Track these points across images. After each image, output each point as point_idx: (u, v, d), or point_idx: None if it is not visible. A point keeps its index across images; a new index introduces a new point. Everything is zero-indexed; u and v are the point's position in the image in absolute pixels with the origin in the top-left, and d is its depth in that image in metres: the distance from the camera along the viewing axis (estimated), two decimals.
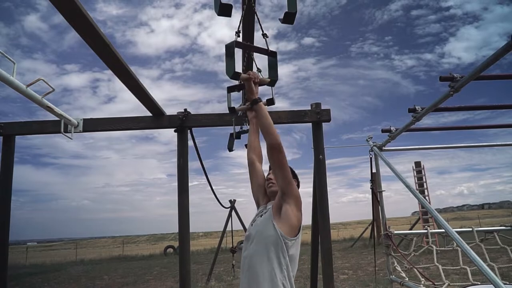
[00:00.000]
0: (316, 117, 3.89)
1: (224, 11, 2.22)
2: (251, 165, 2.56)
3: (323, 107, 3.94)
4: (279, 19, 2.38)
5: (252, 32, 3.09)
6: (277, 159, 2.12)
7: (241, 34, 2.54)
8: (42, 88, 2.90)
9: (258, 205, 2.50)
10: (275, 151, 2.10)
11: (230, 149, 3.18)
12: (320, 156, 3.87)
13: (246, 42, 2.94)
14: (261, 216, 2.26)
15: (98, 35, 2.34)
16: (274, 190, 2.35)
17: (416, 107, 3.37)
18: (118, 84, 3.03)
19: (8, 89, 2.63)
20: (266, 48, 2.49)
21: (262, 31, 2.51)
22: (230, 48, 2.20)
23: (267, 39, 2.50)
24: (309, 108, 3.97)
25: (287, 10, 2.29)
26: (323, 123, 3.95)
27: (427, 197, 15.24)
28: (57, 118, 3.36)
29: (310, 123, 3.97)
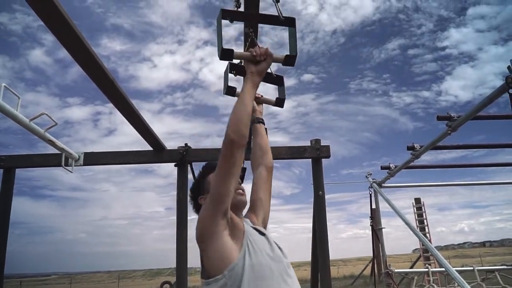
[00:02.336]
0: (316, 153, 3.92)
1: (226, 56, 1.72)
2: (256, 171, 1.98)
3: (322, 143, 3.98)
4: (281, 63, 1.79)
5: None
6: (271, 180, 1.96)
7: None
8: (44, 120, 2.94)
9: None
10: (271, 172, 1.97)
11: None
12: (320, 192, 3.87)
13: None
14: (278, 246, 1.62)
15: (102, 71, 2.39)
16: (244, 201, 1.74)
17: (415, 145, 3.41)
18: (119, 117, 3.06)
19: (10, 121, 2.66)
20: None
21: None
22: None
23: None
24: (309, 143, 4.01)
25: (288, 53, 1.81)
26: (322, 159, 3.98)
27: (427, 234, 15.05)
28: (58, 151, 3.39)
29: (310, 159, 3.99)
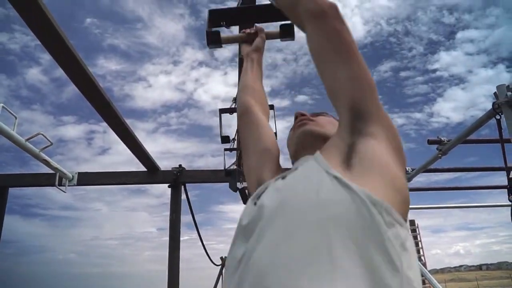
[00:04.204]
0: None
1: (213, 40, 1.43)
2: (246, 113, 1.14)
3: None
4: (279, 38, 1.46)
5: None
6: (336, 37, 0.83)
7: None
8: (38, 138, 2.94)
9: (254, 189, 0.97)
10: (326, 18, 0.85)
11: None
12: None
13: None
14: (283, 179, 0.78)
15: (98, 91, 2.42)
16: (313, 129, 0.96)
17: (407, 168, 3.45)
18: (113, 136, 3.08)
19: (2, 139, 2.67)
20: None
21: None
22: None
23: None
24: None
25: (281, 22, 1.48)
26: None
27: (422, 257, 14.98)
28: (51, 171, 3.39)
29: None
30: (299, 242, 0.57)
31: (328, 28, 0.84)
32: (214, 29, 1.39)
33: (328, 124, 0.96)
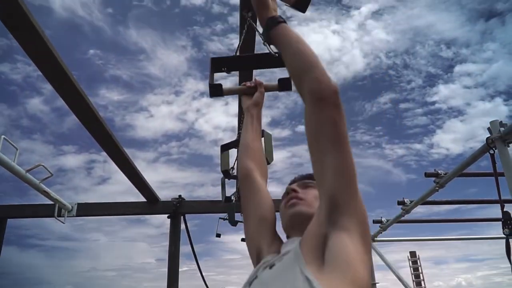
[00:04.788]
0: None
1: (215, 91, 1.55)
2: (247, 178, 1.22)
3: None
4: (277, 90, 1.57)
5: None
6: (331, 125, 0.87)
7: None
8: (38, 168, 2.96)
9: (258, 259, 1.08)
10: (326, 104, 0.88)
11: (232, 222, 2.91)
12: None
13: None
14: (270, 268, 0.93)
15: (98, 121, 2.46)
16: (302, 211, 1.06)
17: (405, 200, 3.47)
18: (113, 165, 3.11)
19: (1, 168, 2.69)
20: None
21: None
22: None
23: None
24: None
25: (280, 77, 1.56)
26: None
27: None
28: (50, 202, 3.40)
29: None
30: None
31: (327, 115, 0.87)
32: (216, 82, 1.50)
33: (316, 201, 1.03)
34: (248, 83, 1.46)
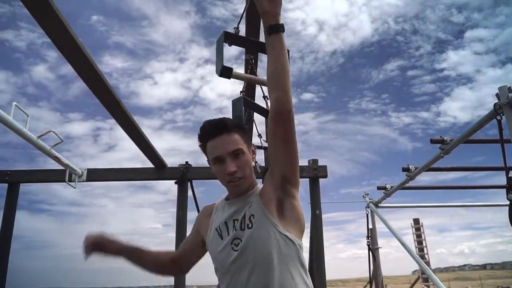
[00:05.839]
0: (313, 173, 3.99)
1: (225, 73, 1.85)
2: (176, 264, 1.65)
3: (321, 163, 4.06)
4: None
5: (253, 93, 2.92)
6: (285, 129, 1.24)
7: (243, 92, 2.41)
8: (47, 135, 3.00)
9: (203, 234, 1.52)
10: (284, 117, 1.23)
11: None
12: (317, 211, 3.93)
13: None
14: (245, 227, 1.31)
15: (107, 89, 2.48)
16: (244, 188, 1.39)
17: (410, 167, 3.49)
18: (119, 133, 3.14)
19: (10, 135, 2.75)
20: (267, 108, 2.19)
21: (263, 93, 2.38)
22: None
23: (268, 101, 2.23)
24: (307, 163, 4.09)
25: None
26: (320, 179, 4.05)
27: (426, 256, 14.98)
28: (61, 167, 3.47)
29: (307, 179, 4.06)
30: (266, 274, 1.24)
31: (283, 124, 1.24)
32: (226, 65, 1.78)
33: (248, 165, 1.36)
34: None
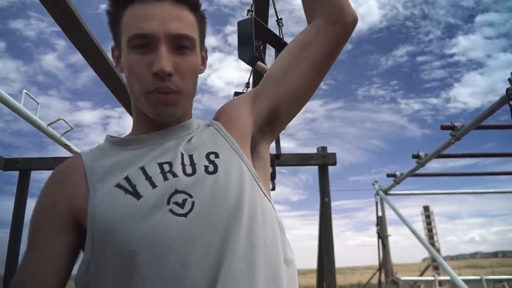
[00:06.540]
0: (322, 160, 3.98)
1: (254, 62, 1.61)
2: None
3: (329, 150, 4.04)
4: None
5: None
6: (337, 53, 0.86)
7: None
8: (57, 123, 3.03)
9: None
10: (346, 32, 0.84)
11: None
12: (326, 199, 3.93)
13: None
14: (195, 171, 0.71)
15: (115, 75, 2.49)
16: (178, 114, 0.77)
17: (420, 153, 3.46)
18: (129, 121, 3.16)
19: (20, 124, 2.80)
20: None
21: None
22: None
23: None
24: (315, 151, 4.08)
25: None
26: (329, 166, 4.04)
27: (436, 243, 14.96)
28: (71, 155, 3.51)
29: (316, 166, 4.06)
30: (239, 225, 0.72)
31: (338, 40, 0.84)
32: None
33: (194, 76, 0.77)
34: None
